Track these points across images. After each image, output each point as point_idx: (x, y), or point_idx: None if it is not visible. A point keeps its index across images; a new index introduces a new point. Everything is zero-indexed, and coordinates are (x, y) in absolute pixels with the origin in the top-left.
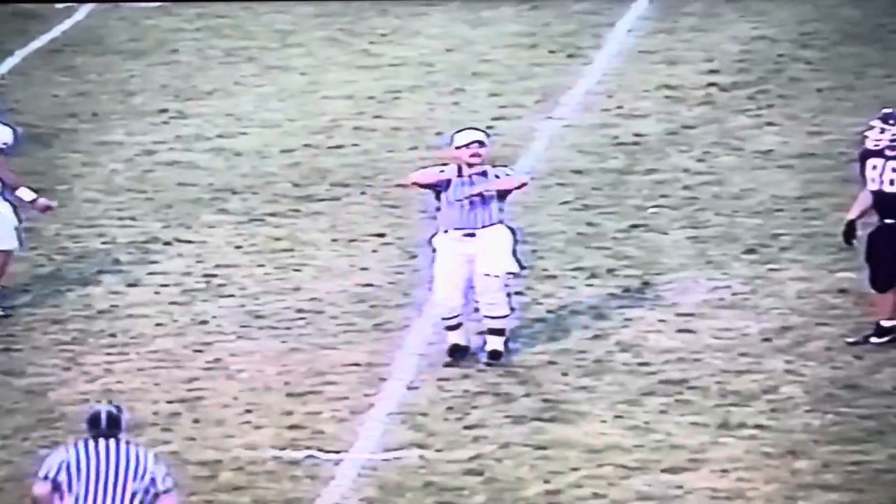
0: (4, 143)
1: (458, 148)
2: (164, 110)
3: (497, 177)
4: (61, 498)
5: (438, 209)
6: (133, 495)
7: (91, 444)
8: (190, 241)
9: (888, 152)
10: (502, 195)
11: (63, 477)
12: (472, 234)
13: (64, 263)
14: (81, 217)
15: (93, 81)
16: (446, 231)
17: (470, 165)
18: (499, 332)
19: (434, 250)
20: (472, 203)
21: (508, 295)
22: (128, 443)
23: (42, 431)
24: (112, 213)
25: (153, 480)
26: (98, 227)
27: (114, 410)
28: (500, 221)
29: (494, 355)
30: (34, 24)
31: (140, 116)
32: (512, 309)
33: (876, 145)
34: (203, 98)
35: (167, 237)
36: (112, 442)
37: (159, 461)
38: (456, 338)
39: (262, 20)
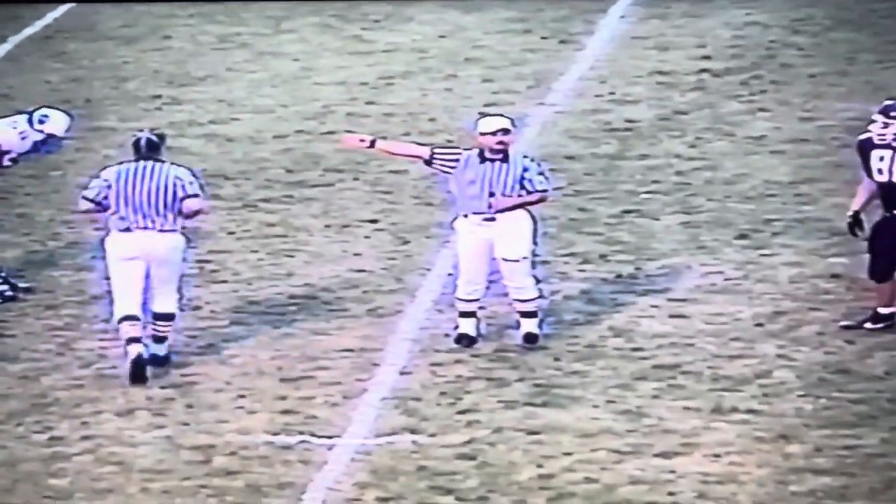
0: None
1: (483, 134)
2: (157, 96)
3: (526, 169)
4: (104, 211)
5: (449, 192)
6: (165, 207)
7: (132, 166)
8: (182, 227)
9: (895, 144)
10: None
11: (103, 197)
12: (493, 219)
13: (57, 249)
14: (75, 203)
15: (86, 67)
16: (466, 216)
17: (493, 151)
18: (530, 314)
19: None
20: (492, 187)
21: (537, 279)
22: (163, 162)
23: (36, 416)
24: None
25: (181, 187)
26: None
27: (154, 137)
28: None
29: (530, 338)
30: (27, 10)
31: (133, 102)
32: (541, 292)
33: (882, 139)
34: (196, 84)
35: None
36: (150, 163)
37: (193, 176)
38: (467, 326)
39: (254, 6)
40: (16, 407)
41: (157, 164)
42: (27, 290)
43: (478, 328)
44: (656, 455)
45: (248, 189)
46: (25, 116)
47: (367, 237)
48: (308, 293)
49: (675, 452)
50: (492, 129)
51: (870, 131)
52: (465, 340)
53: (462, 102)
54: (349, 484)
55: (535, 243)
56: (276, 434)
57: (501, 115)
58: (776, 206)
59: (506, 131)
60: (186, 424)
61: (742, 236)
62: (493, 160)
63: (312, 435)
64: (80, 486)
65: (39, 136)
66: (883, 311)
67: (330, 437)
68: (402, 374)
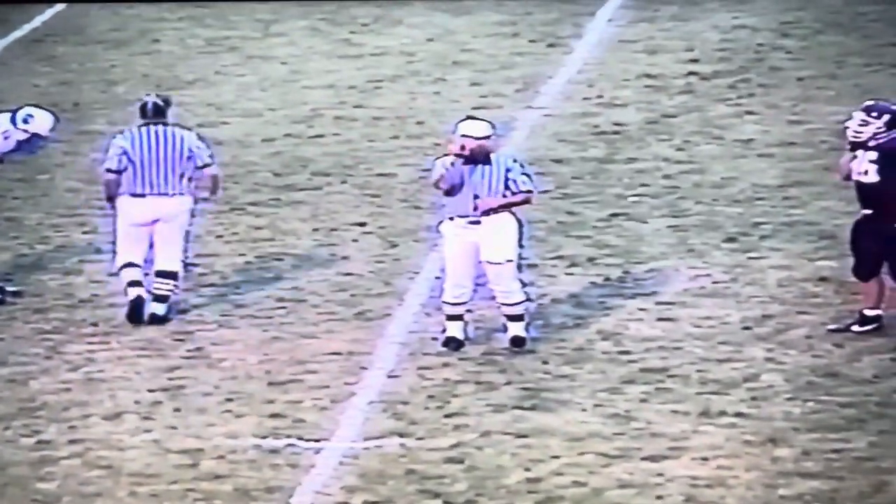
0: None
1: (464, 136)
2: None
3: (509, 169)
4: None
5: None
6: (179, 174)
7: (143, 129)
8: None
9: (868, 144)
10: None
11: (124, 164)
12: (478, 222)
13: (46, 252)
14: (63, 206)
15: (74, 71)
16: (451, 218)
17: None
18: (517, 318)
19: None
20: (477, 190)
21: (523, 282)
22: (171, 125)
23: (23, 420)
24: (94, 202)
25: (193, 157)
26: (80, 217)
27: (159, 101)
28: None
29: (517, 341)
30: (15, 13)
31: (122, 106)
32: (527, 296)
33: (856, 137)
34: (184, 87)
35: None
36: (160, 127)
37: (201, 140)
38: (454, 329)
39: (243, 10)
40: (3, 411)
41: (169, 129)
42: (15, 294)
43: (465, 331)
44: (644, 458)
45: (237, 192)
46: (8, 115)
47: (355, 241)
48: (296, 297)
49: (664, 456)
50: (478, 135)
51: (848, 128)
52: (452, 344)
53: (450, 106)
54: (337, 487)
55: (521, 246)
56: (264, 438)
57: (482, 119)
58: (764, 209)
59: (474, 137)
60: (174, 428)
61: (730, 240)
62: (476, 163)
63: (300, 438)
64: (69, 490)
65: (23, 136)
66: (869, 313)
67: (318, 441)
68: (390, 377)
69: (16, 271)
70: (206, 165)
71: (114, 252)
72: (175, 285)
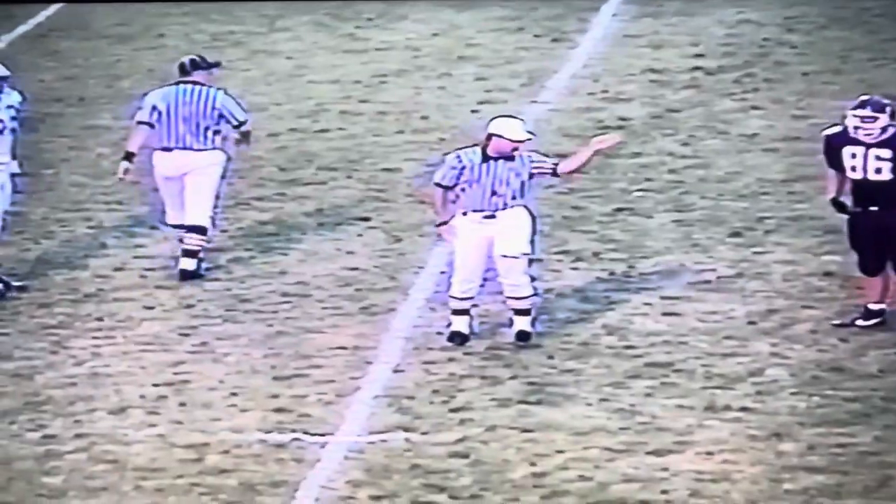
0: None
1: (501, 137)
2: None
3: (531, 160)
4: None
5: (462, 190)
6: (204, 127)
7: (176, 86)
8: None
9: (868, 140)
10: (531, 177)
11: (154, 117)
12: (493, 216)
13: (51, 247)
14: (68, 201)
15: (79, 66)
16: (465, 213)
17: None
18: (524, 312)
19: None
20: (493, 185)
21: (532, 277)
22: (202, 85)
23: (29, 415)
24: (99, 197)
25: (223, 116)
26: (85, 212)
27: (197, 58)
28: (522, 204)
29: (522, 336)
30: (20, 8)
31: (127, 101)
32: (536, 290)
33: (868, 134)
34: None
35: (153, 221)
36: (190, 85)
37: (234, 101)
38: (460, 324)
39: (248, 5)
40: (9, 405)
41: (199, 87)
42: (21, 289)
43: (471, 326)
44: (649, 453)
45: (242, 187)
46: None
47: (360, 235)
48: (301, 291)
49: (669, 450)
50: (519, 139)
51: (840, 125)
52: (457, 338)
53: (455, 101)
54: (342, 482)
55: (533, 241)
56: (269, 432)
57: (522, 120)
58: (769, 203)
59: (511, 140)
60: (180, 423)
61: (735, 234)
62: (496, 159)
63: (305, 433)
64: (74, 485)
65: None
66: (873, 307)
67: (323, 435)
68: (395, 372)
69: (21, 266)
70: (241, 124)
71: (161, 206)
72: (204, 240)
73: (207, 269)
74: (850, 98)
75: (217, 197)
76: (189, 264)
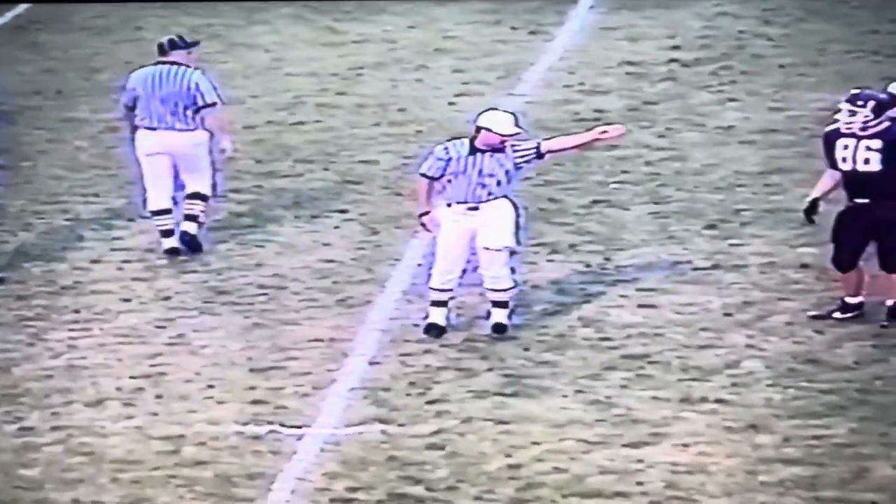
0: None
1: (489, 131)
2: None
3: (514, 149)
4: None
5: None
6: (183, 107)
7: (156, 70)
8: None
9: (860, 133)
10: (517, 167)
11: (131, 99)
12: (476, 208)
13: (28, 239)
14: (46, 193)
15: (57, 59)
16: (449, 205)
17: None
18: (502, 304)
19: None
20: (479, 177)
21: (512, 269)
22: (180, 65)
23: (6, 407)
24: (76, 189)
25: (195, 95)
26: (62, 204)
27: (175, 38)
28: (505, 196)
29: (498, 328)
30: None
31: (105, 93)
32: (515, 283)
33: (848, 128)
34: None
35: (131, 213)
36: (171, 67)
37: (205, 81)
38: (437, 316)
39: None
40: None
41: (176, 68)
42: None
43: (448, 318)
44: (625, 445)
45: (218, 179)
46: None
47: (336, 227)
48: (278, 283)
49: (644, 442)
50: (508, 133)
51: (837, 121)
52: (434, 331)
53: (432, 93)
54: (319, 474)
55: (517, 233)
56: (245, 424)
57: (513, 115)
58: (746, 196)
59: (499, 133)
60: (156, 415)
61: (711, 226)
62: (483, 151)
63: (282, 425)
64: (51, 477)
65: None
66: (850, 300)
67: (300, 427)
68: (371, 364)
69: None
70: (209, 105)
71: (143, 196)
72: (206, 206)
73: (184, 261)
74: (827, 90)
75: (213, 165)
76: (191, 227)
